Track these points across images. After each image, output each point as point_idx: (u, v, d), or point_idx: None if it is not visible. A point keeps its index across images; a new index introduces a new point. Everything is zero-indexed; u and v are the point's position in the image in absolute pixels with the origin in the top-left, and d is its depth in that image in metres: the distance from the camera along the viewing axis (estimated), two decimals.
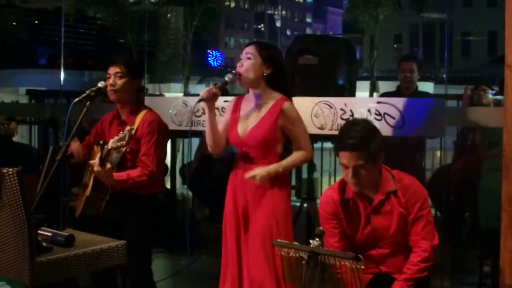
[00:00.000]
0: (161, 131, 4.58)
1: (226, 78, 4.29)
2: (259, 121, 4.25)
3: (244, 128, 4.30)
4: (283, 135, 4.28)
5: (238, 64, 4.28)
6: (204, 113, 4.45)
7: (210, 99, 4.21)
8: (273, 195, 4.28)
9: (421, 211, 3.77)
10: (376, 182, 3.78)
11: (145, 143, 4.49)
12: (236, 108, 4.41)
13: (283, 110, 4.23)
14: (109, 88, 4.54)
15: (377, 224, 3.80)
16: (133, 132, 4.21)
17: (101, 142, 4.29)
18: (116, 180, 4.34)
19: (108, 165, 4.25)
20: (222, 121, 4.45)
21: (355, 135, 3.65)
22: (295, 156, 4.30)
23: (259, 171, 4.18)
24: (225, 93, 5.03)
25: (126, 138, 4.14)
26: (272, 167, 4.20)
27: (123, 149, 4.25)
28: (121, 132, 4.22)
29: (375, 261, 3.85)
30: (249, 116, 4.32)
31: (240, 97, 4.48)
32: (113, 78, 4.54)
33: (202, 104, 4.28)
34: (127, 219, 4.56)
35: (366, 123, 3.85)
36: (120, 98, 4.59)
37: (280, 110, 4.23)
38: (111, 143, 4.21)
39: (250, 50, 4.27)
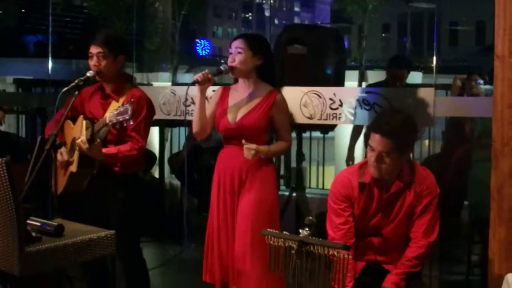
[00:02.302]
0: (149, 108, 4.57)
1: (222, 68, 4.38)
2: (251, 109, 4.34)
3: (234, 115, 4.36)
4: (270, 125, 4.37)
5: (230, 59, 4.36)
6: (193, 102, 4.47)
7: (204, 83, 4.29)
8: (260, 185, 4.34)
9: (430, 205, 3.80)
10: (397, 171, 3.79)
11: (134, 119, 4.45)
12: (224, 98, 4.47)
13: (276, 101, 4.36)
14: (93, 68, 4.50)
15: (387, 212, 3.82)
16: (134, 106, 4.15)
17: (90, 118, 4.28)
18: (106, 154, 4.33)
19: (98, 140, 4.23)
20: (208, 109, 4.48)
21: (393, 123, 3.68)
22: (281, 144, 4.42)
23: (256, 146, 4.24)
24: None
25: (129, 112, 4.06)
26: (262, 147, 4.29)
27: (125, 123, 4.18)
28: (120, 106, 4.16)
29: (374, 248, 3.87)
30: (239, 106, 4.38)
31: (226, 87, 4.54)
32: (96, 59, 4.50)
33: (193, 93, 4.29)
34: (110, 199, 4.55)
35: (408, 117, 3.86)
36: (105, 77, 4.55)
37: (274, 101, 4.35)
38: (108, 117, 4.15)
39: (239, 45, 4.35)
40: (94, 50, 4.53)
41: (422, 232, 3.78)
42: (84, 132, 4.25)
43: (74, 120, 4.52)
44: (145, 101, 4.55)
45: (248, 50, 4.33)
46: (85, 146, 4.21)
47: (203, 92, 4.34)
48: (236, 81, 4.48)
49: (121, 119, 4.11)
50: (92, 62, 4.52)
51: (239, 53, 4.32)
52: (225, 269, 4.39)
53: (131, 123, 4.20)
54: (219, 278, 4.40)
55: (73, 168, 4.38)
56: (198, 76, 4.28)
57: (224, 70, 4.36)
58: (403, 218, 3.80)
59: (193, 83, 4.31)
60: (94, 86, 4.69)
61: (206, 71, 4.32)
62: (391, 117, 3.74)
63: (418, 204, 3.78)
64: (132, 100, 4.20)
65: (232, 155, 4.37)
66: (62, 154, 4.46)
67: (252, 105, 4.34)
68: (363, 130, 6.20)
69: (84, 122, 4.30)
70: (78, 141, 4.26)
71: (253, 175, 4.33)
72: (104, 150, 4.33)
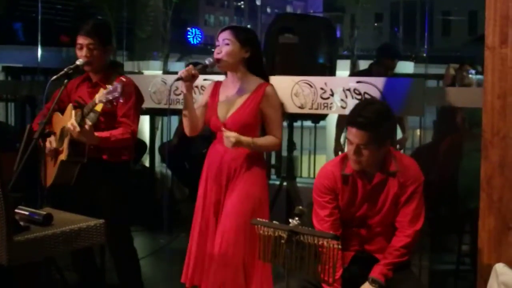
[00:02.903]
0: (137, 94, 4.57)
1: (207, 62, 4.25)
2: (241, 104, 4.23)
3: (225, 112, 4.27)
4: (261, 119, 4.28)
5: (216, 51, 4.24)
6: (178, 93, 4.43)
7: (188, 80, 4.19)
8: (249, 179, 4.26)
9: (415, 193, 3.78)
10: (379, 162, 3.78)
11: (123, 105, 4.42)
12: (215, 93, 4.38)
13: (266, 94, 4.23)
14: (83, 59, 4.48)
15: (372, 203, 3.81)
16: (124, 84, 4.12)
17: (80, 102, 4.27)
18: (99, 138, 4.31)
19: (89, 122, 4.20)
20: (198, 104, 4.44)
21: (367, 115, 3.64)
22: (269, 139, 4.28)
23: (236, 135, 4.14)
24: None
25: (119, 89, 4.04)
26: (246, 138, 4.17)
27: (115, 102, 4.14)
28: (109, 86, 4.13)
29: (362, 239, 3.86)
30: (230, 101, 4.28)
31: (218, 82, 4.44)
32: (86, 50, 4.48)
33: (180, 83, 4.25)
34: (100, 188, 4.55)
35: (381, 106, 3.83)
36: (95, 68, 4.55)
37: (263, 94, 4.23)
38: (98, 97, 4.13)
39: (227, 36, 4.24)
40: (83, 41, 4.50)
41: (408, 221, 3.77)
42: (73, 117, 4.22)
43: (62, 112, 4.50)
44: (134, 88, 4.54)
45: (236, 41, 4.22)
46: (76, 129, 4.17)
47: (188, 89, 4.23)
48: (226, 74, 4.39)
49: (110, 97, 4.08)
50: (82, 53, 4.49)
51: (227, 44, 4.21)
52: (198, 270, 4.33)
53: (121, 100, 4.16)
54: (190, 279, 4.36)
55: (63, 156, 4.36)
56: (182, 72, 4.17)
57: (209, 64, 4.24)
58: (390, 208, 3.79)
59: (177, 80, 4.19)
60: (80, 77, 4.68)
61: (190, 66, 4.21)
62: (364, 109, 3.69)
63: (402, 193, 3.77)
64: (122, 79, 4.18)
65: (221, 152, 4.30)
66: (51, 143, 4.43)
67: (242, 101, 4.24)
68: None
69: (73, 111, 4.27)
70: (68, 125, 4.21)
71: (241, 172, 4.25)
72: (96, 133, 4.30)
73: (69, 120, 4.25)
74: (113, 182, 4.55)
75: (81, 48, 4.50)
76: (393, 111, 3.87)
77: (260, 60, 4.38)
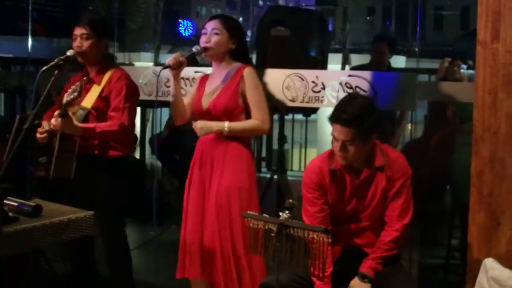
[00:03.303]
0: (130, 86, 4.53)
1: (194, 49, 4.25)
2: (221, 90, 4.25)
3: (207, 99, 4.28)
4: (245, 105, 4.26)
5: (205, 40, 4.24)
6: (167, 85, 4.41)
7: (176, 67, 4.18)
8: (237, 169, 4.27)
9: (403, 187, 3.78)
10: (365, 157, 3.77)
11: (114, 99, 4.43)
12: (201, 84, 4.40)
13: (243, 76, 4.22)
14: (76, 49, 4.48)
15: (361, 198, 3.81)
16: (84, 82, 4.13)
17: (58, 99, 4.26)
18: (83, 128, 4.30)
19: (69, 114, 4.20)
20: (188, 95, 4.45)
21: (350, 111, 3.62)
22: (247, 122, 4.26)
23: (202, 123, 4.18)
24: (195, 63, 5.00)
25: (78, 89, 4.04)
26: (217, 123, 4.19)
27: (77, 100, 4.16)
28: (73, 85, 4.13)
29: (352, 233, 3.86)
30: (213, 89, 4.30)
31: (205, 75, 4.46)
32: (79, 40, 4.48)
33: (168, 73, 4.24)
34: (98, 183, 4.54)
35: (364, 100, 3.80)
36: (88, 60, 4.54)
37: (241, 75, 4.23)
38: (65, 97, 4.12)
39: (216, 26, 4.25)
40: (77, 31, 4.51)
41: (397, 215, 3.77)
42: (56, 112, 4.23)
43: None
44: (125, 80, 4.51)
45: (225, 31, 4.23)
46: (57, 121, 4.18)
47: (176, 76, 4.22)
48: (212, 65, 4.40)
49: (72, 97, 4.07)
50: (75, 43, 4.49)
51: (216, 34, 4.22)
52: (194, 263, 4.34)
53: (78, 100, 4.17)
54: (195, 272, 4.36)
55: (55, 152, 4.38)
56: (169, 60, 4.15)
57: (196, 51, 4.23)
58: (378, 202, 3.79)
59: (165, 67, 4.18)
60: (80, 73, 4.68)
61: (177, 53, 4.20)
62: (348, 104, 3.67)
63: (390, 187, 3.77)
64: (84, 78, 4.18)
65: (206, 141, 4.30)
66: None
67: (222, 86, 4.26)
68: None
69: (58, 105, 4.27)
70: (52, 120, 4.25)
71: (228, 163, 4.25)
72: (81, 125, 4.30)
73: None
74: (108, 178, 4.55)
75: (75, 39, 4.49)
76: (376, 104, 3.86)
77: (245, 50, 4.40)
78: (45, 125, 4.44)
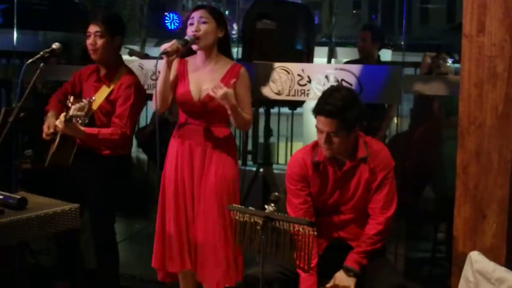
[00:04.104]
0: (138, 96, 4.54)
1: (188, 38, 4.22)
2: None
3: (198, 90, 4.26)
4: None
5: (194, 29, 4.22)
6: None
7: (173, 54, 4.14)
8: (220, 162, 4.28)
9: (385, 179, 3.80)
10: (349, 149, 3.79)
11: (120, 106, 4.45)
12: (182, 71, 4.36)
13: (240, 74, 4.25)
14: (89, 47, 4.49)
15: (344, 190, 3.82)
16: (92, 102, 4.12)
17: (68, 100, 4.25)
18: (86, 133, 4.31)
19: (77, 120, 4.18)
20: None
21: (333, 102, 3.64)
22: (244, 114, 4.24)
23: (230, 90, 4.10)
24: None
25: (85, 110, 4.06)
26: (233, 100, 4.12)
27: (81, 120, 4.17)
28: (83, 100, 4.13)
29: (336, 226, 3.88)
30: (202, 81, 4.27)
31: (182, 60, 4.39)
32: (93, 38, 4.49)
33: (159, 65, 4.21)
34: (90, 178, 4.55)
35: (347, 91, 3.81)
36: (101, 58, 4.54)
37: (238, 74, 4.24)
38: (72, 110, 4.13)
39: (204, 15, 4.24)
40: (92, 29, 4.52)
41: (380, 208, 3.79)
42: (62, 114, 4.25)
43: (77, 96, 4.49)
44: (134, 89, 4.51)
45: (213, 20, 4.24)
46: (61, 124, 4.21)
47: (170, 64, 4.19)
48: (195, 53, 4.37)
49: (78, 114, 4.09)
50: (89, 41, 4.51)
51: (204, 23, 4.21)
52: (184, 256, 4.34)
53: (86, 121, 4.18)
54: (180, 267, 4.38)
55: (53, 147, 4.42)
56: (168, 46, 4.11)
57: (189, 40, 4.21)
58: (362, 194, 3.81)
59: (161, 54, 4.12)
60: (92, 66, 4.70)
61: (174, 41, 4.16)
62: (330, 96, 3.69)
63: (373, 179, 3.79)
64: (92, 98, 4.16)
65: (193, 132, 4.31)
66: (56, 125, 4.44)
67: (216, 79, 4.23)
68: None
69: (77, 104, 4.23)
70: (58, 120, 4.26)
71: (214, 154, 4.27)
72: (84, 128, 4.31)
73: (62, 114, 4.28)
74: (102, 174, 4.56)
75: (89, 36, 4.51)
76: (360, 96, 3.88)
77: (228, 41, 4.41)
78: (51, 123, 4.44)
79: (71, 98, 4.28)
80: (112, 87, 4.48)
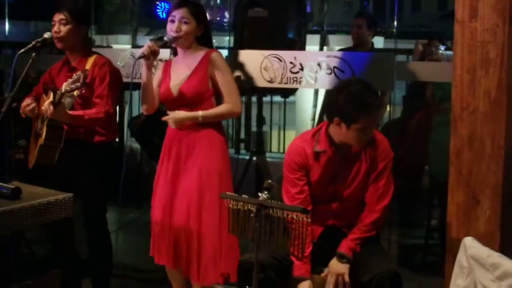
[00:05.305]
0: (113, 74, 4.56)
1: (166, 39, 4.24)
2: (190, 74, 4.25)
3: (176, 86, 4.28)
4: (214, 89, 4.27)
5: (175, 29, 4.23)
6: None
7: (151, 57, 4.18)
8: (207, 153, 4.27)
9: (384, 170, 3.82)
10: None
11: (98, 86, 4.46)
12: (166, 72, 4.39)
13: (211, 59, 4.23)
14: (54, 35, 4.48)
15: (343, 178, 3.83)
16: (87, 73, 4.13)
17: (52, 87, 4.24)
18: (72, 116, 4.31)
19: (62, 101, 4.19)
20: (153, 81, 4.42)
21: (376, 98, 3.77)
22: (219, 107, 4.27)
23: (174, 114, 4.22)
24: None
25: (81, 80, 4.04)
26: (190, 115, 4.21)
27: (77, 91, 4.16)
28: (74, 74, 4.14)
29: (332, 214, 3.88)
30: (181, 76, 4.29)
31: (168, 61, 4.46)
32: (58, 25, 4.49)
33: (142, 61, 4.23)
34: (81, 168, 4.55)
35: (362, 83, 3.85)
36: (66, 46, 4.54)
37: (209, 59, 4.23)
38: (64, 86, 4.12)
39: (184, 15, 4.24)
40: (56, 17, 4.53)
41: (377, 197, 3.81)
42: (48, 101, 4.22)
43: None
44: (108, 68, 4.53)
45: (193, 20, 4.25)
46: (50, 109, 4.17)
47: (149, 67, 4.22)
48: (175, 54, 4.42)
49: (74, 87, 4.08)
50: (54, 29, 4.51)
51: (185, 23, 4.22)
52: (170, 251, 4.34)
53: (83, 91, 4.17)
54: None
55: (40, 140, 4.37)
56: (144, 50, 4.14)
57: (168, 41, 4.23)
58: (360, 183, 3.82)
59: (138, 59, 4.16)
60: (60, 62, 4.70)
61: (150, 43, 4.18)
62: (368, 96, 3.70)
63: (373, 169, 3.81)
64: (86, 69, 4.18)
65: (179, 128, 4.31)
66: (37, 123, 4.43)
67: (190, 71, 4.25)
68: None
69: (51, 93, 4.25)
70: (43, 107, 4.24)
71: (201, 147, 4.26)
72: (70, 112, 4.30)
73: (46, 101, 4.25)
74: (93, 163, 4.56)
75: (54, 25, 4.51)
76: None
77: (209, 34, 4.42)
78: (29, 101, 4.45)
79: (51, 94, 4.25)
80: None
